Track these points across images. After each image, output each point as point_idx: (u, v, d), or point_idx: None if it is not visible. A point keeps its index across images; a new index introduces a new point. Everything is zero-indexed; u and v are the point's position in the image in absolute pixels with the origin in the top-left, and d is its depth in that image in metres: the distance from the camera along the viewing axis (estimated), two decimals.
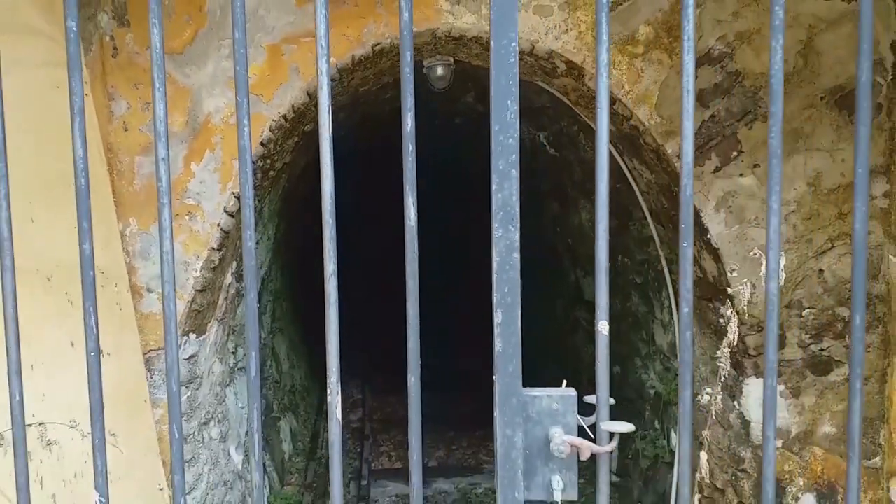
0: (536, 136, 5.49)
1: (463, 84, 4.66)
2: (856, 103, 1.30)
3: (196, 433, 3.47)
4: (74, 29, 1.45)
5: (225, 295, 3.76)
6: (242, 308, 4.39)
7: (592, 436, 1.45)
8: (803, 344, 3.12)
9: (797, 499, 3.18)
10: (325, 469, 6.48)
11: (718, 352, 3.30)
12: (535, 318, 5.78)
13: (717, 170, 3.03)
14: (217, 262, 3.22)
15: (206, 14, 3.01)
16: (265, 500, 1.48)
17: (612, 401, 1.48)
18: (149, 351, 3.10)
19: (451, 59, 3.72)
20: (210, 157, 3.05)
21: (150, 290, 3.10)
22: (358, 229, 10.08)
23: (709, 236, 3.05)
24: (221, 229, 3.11)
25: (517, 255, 1.42)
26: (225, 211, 3.08)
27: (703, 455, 3.53)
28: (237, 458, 4.34)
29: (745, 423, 3.24)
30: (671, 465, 4.33)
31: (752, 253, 3.03)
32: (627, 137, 3.36)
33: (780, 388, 3.17)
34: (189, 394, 3.35)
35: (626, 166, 3.80)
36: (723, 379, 3.38)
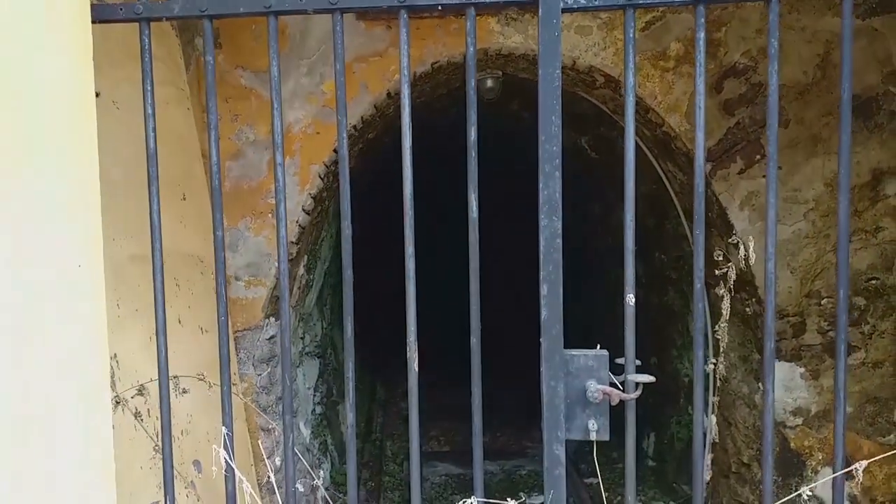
0: (578, 139, 5.76)
1: (510, 94, 4.96)
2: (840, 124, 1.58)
3: (274, 406, 3.84)
4: (211, 62, 1.80)
5: (298, 284, 4.13)
6: (311, 296, 4.77)
7: (622, 388, 1.74)
8: (822, 330, 3.34)
9: (816, 472, 3.41)
10: (378, 450, 6.84)
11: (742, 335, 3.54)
12: (581, 306, 6.05)
13: (741, 172, 3.28)
14: (294, 255, 3.59)
15: (288, 37, 3.37)
16: (355, 436, 1.80)
17: (638, 362, 1.78)
18: (236, 331, 3.48)
19: (500, 73, 4.03)
20: (290, 163, 3.42)
21: (237, 279, 3.48)
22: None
23: (735, 232, 3.30)
24: (299, 225, 3.48)
25: (559, 241, 1.73)
26: (303, 209, 3.45)
27: (734, 434, 3.77)
28: (306, 432, 4.72)
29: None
30: (704, 447, 4.56)
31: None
32: (661, 142, 3.62)
33: (801, 370, 3.40)
34: (269, 370, 3.72)
35: (661, 168, 4.06)
36: (751, 363, 3.63)
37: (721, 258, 2.52)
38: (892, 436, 3.31)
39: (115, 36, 2.76)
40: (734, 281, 3.56)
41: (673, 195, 4.10)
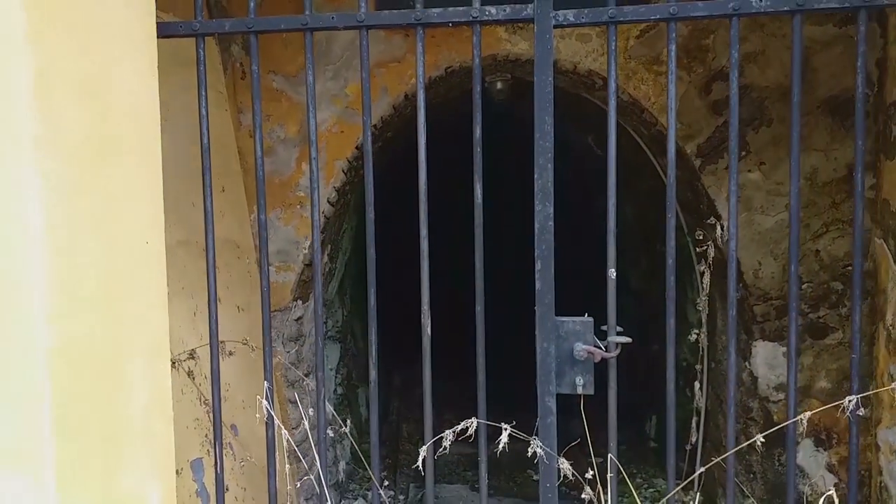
0: (585, 137, 6.00)
1: (520, 95, 5.22)
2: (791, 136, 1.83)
3: (301, 382, 4.14)
4: (256, 71, 2.08)
5: (322, 272, 4.41)
6: (333, 284, 5.06)
7: (604, 349, 2.00)
8: (803, 312, 3.58)
9: (798, 443, 3.65)
10: (395, 431, 7.13)
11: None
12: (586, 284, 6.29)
13: (728, 167, 3.52)
14: (321, 243, 3.87)
15: (315, 44, 3.64)
16: (377, 393, 2.08)
17: (619, 328, 2.04)
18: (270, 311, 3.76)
19: (509, 76, 4.29)
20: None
21: (270, 264, 3.77)
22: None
23: (722, 221, 3.55)
24: (324, 216, 3.77)
25: (552, 223, 1.99)
26: (328, 202, 3.73)
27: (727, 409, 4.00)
28: (329, 408, 5.01)
29: (754, 379, 3.72)
30: (699, 424, 4.80)
31: (757, 234, 3.51)
32: (656, 140, 3.87)
33: (783, 349, 3.64)
34: (297, 349, 4.01)
35: (658, 164, 4.30)
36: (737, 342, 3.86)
37: (701, 237, 2.76)
38: (866, 409, 3.53)
39: (161, 44, 3.06)
40: (721, 268, 3.80)
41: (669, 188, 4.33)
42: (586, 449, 2.05)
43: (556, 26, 1.95)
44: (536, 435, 1.89)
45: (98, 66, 1.74)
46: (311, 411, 3.78)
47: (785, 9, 1.90)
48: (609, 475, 1.97)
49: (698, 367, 3.28)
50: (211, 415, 2.95)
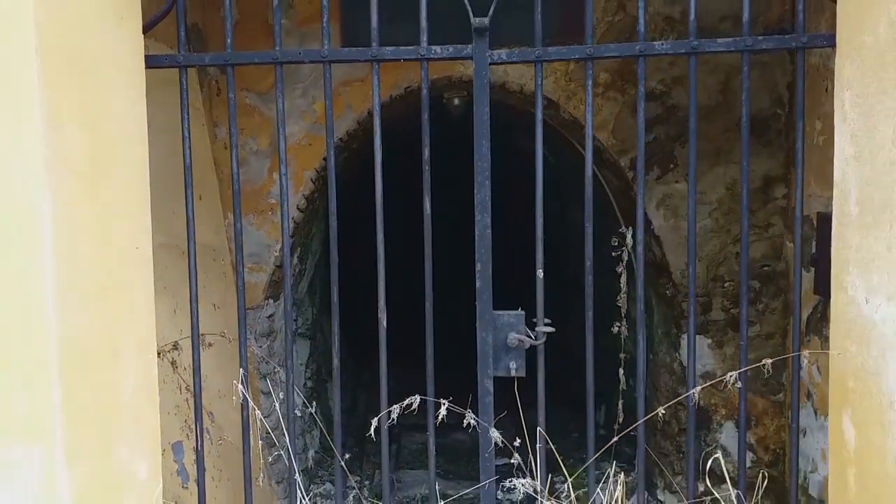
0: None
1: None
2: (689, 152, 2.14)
3: (272, 374, 4.38)
4: (233, 99, 2.34)
5: (292, 272, 4.67)
6: (303, 284, 5.30)
7: (533, 338, 2.30)
8: (725, 308, 3.93)
9: (721, 424, 4.00)
10: (362, 423, 7.37)
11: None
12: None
13: (658, 178, 3.86)
14: (291, 246, 4.13)
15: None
16: (340, 378, 2.35)
17: (548, 320, 2.34)
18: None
19: (466, 93, 4.58)
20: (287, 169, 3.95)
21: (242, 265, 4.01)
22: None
23: (653, 227, 3.88)
24: (294, 221, 4.02)
25: (489, 231, 2.28)
26: (297, 208, 3.99)
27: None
28: (298, 401, 5.26)
29: (682, 368, 4.07)
30: (625, 407, 5.15)
31: (683, 238, 3.85)
32: (596, 152, 4.19)
33: (708, 341, 3.99)
34: (268, 343, 4.26)
35: (601, 175, 4.63)
36: (669, 336, 4.21)
37: (616, 243, 3.09)
38: (780, 394, 3.90)
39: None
40: (653, 268, 4.14)
41: (611, 196, 4.67)
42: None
43: (491, 63, 2.24)
44: (471, 409, 2.18)
45: (96, 97, 1.99)
46: (281, 395, 4.03)
47: (682, 51, 2.22)
48: (538, 445, 2.27)
49: (622, 355, 3.61)
50: (189, 402, 3.20)
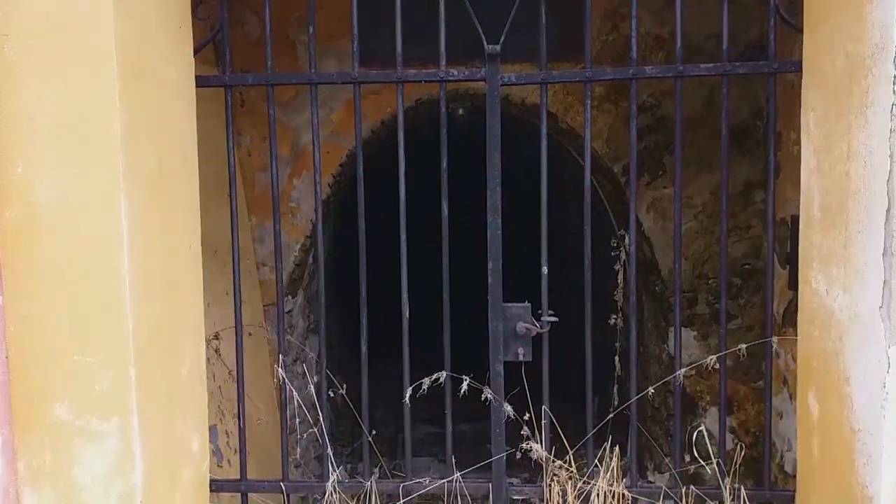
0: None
1: (477, 116, 5.80)
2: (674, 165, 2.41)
3: (291, 365, 4.63)
4: (272, 114, 2.59)
5: (308, 270, 4.92)
6: (315, 282, 5.56)
7: (538, 326, 2.57)
8: (709, 303, 4.21)
9: (706, 410, 4.28)
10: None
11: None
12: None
13: (648, 183, 4.13)
14: (308, 246, 4.38)
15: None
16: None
17: (551, 311, 2.60)
18: (264, 304, 4.27)
19: (470, 104, 4.85)
20: (305, 175, 4.20)
21: (264, 264, 4.26)
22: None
23: (643, 228, 4.16)
24: (312, 223, 4.27)
25: (500, 232, 2.54)
26: (314, 211, 4.24)
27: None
28: (313, 392, 5.51)
29: (671, 358, 4.34)
30: (620, 392, 5.43)
31: (671, 239, 4.12)
32: (592, 160, 4.45)
33: (694, 333, 4.27)
34: (286, 337, 4.51)
35: (596, 180, 4.90)
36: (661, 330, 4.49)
37: (615, 244, 3.36)
38: (760, 382, 4.18)
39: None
40: (644, 266, 4.41)
41: (605, 202, 4.95)
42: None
43: (502, 85, 2.51)
44: (488, 384, 2.45)
45: (159, 114, 2.24)
46: (315, 379, 4.28)
47: (669, 75, 2.48)
48: (543, 421, 2.54)
49: (616, 344, 3.88)
50: (223, 389, 3.45)
